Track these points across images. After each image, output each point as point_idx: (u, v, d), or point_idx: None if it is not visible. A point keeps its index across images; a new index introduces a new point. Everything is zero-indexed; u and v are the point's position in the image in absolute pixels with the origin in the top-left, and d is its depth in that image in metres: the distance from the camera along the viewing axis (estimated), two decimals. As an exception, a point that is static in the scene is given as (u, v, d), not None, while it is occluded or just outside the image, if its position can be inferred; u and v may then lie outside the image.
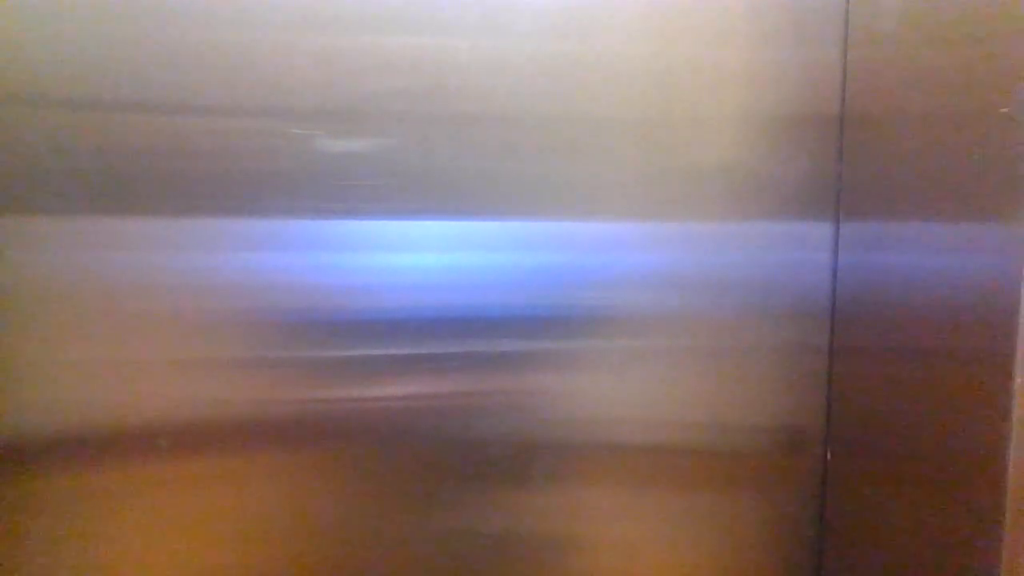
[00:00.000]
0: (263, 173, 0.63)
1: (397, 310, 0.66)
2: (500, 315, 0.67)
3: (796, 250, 0.69)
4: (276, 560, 0.67)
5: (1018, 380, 0.49)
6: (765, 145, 0.68)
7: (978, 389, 0.52)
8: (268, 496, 0.66)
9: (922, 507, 0.58)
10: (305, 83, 0.62)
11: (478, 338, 0.67)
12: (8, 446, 0.61)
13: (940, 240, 0.56)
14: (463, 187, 0.65)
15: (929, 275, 0.58)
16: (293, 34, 0.61)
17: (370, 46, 0.62)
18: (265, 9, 0.61)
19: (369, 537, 0.68)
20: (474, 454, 0.68)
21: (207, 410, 0.64)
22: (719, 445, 0.71)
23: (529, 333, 0.67)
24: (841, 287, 0.69)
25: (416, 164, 0.64)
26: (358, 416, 0.66)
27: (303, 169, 0.63)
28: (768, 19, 0.66)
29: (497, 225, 0.66)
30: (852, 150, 0.67)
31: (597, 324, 0.68)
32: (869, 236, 0.66)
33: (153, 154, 0.61)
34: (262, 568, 0.66)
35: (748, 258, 0.69)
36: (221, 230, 0.63)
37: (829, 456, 0.71)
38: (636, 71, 0.66)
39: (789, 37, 0.67)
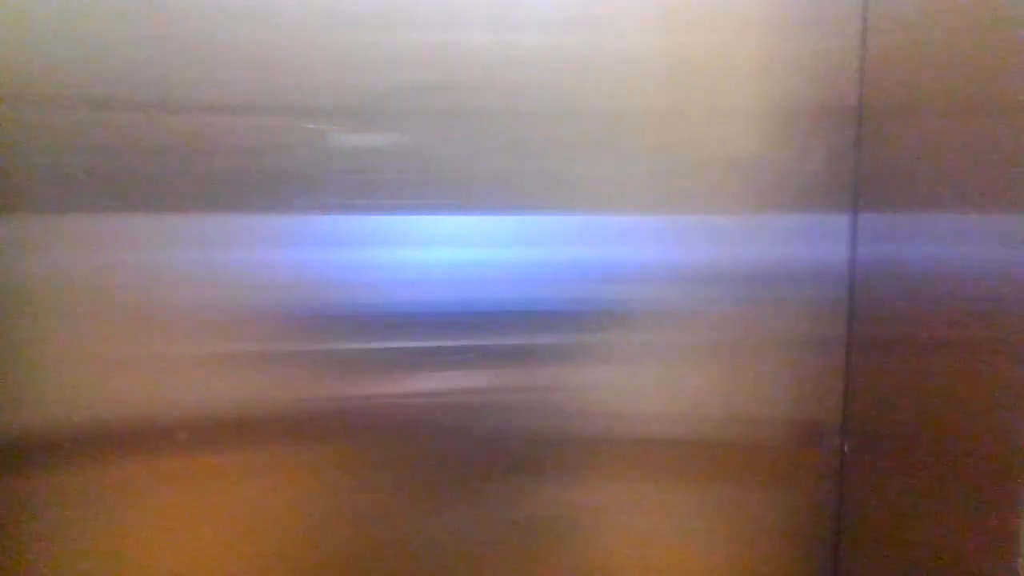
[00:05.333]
0: (279, 170, 0.63)
1: (414, 305, 0.66)
2: (517, 310, 0.67)
3: (814, 242, 0.69)
4: (288, 556, 0.67)
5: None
6: (782, 136, 0.67)
7: (998, 382, 0.52)
8: (286, 492, 0.66)
9: (940, 500, 0.58)
10: (320, 79, 0.62)
11: (493, 333, 0.67)
12: (15, 443, 0.62)
13: (959, 231, 0.56)
14: (479, 182, 0.65)
15: (948, 266, 0.57)
16: (307, 31, 0.62)
17: (385, 42, 0.63)
18: (280, 6, 0.61)
19: (388, 532, 0.68)
20: (492, 448, 0.68)
21: (226, 406, 0.65)
22: (736, 438, 0.71)
23: (546, 327, 0.67)
24: (859, 279, 0.69)
25: (433, 160, 0.65)
26: (377, 411, 0.67)
27: (319, 165, 0.63)
28: (785, 9, 0.66)
29: (514, 220, 0.66)
30: (870, 141, 0.67)
31: (613, 318, 0.68)
32: (887, 227, 0.65)
33: (169, 152, 0.61)
34: (274, 564, 0.67)
35: (766, 250, 0.69)
36: (239, 226, 0.63)
37: (847, 449, 0.70)
38: (651, 64, 0.66)
39: (807, 27, 0.66)
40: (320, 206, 0.64)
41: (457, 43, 0.63)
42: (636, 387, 0.69)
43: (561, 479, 0.69)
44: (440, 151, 0.64)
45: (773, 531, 0.72)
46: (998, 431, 0.52)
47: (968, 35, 0.55)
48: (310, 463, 0.66)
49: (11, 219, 0.60)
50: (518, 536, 0.70)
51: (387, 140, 0.64)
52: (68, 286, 0.61)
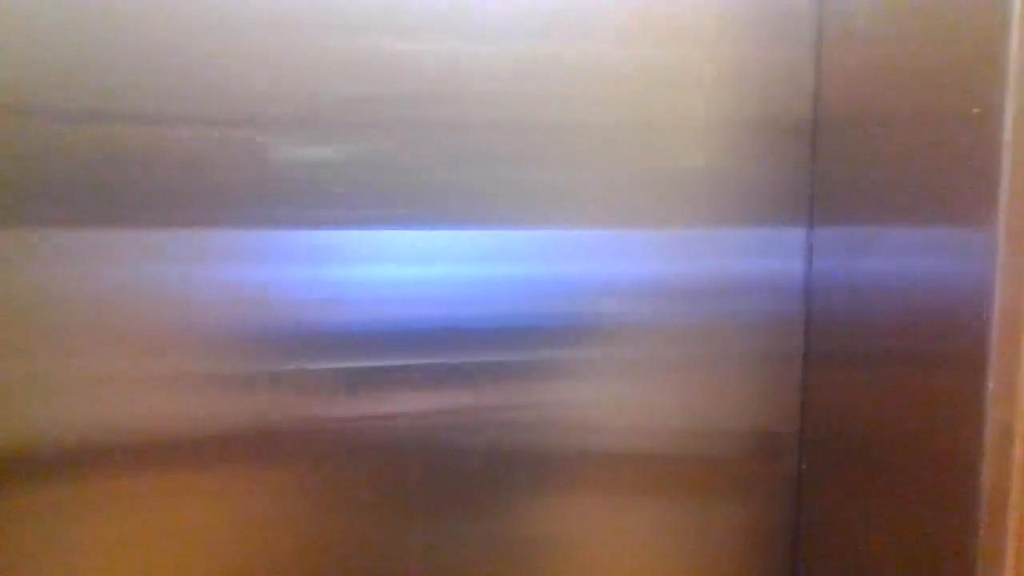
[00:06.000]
0: (223, 183, 0.60)
1: (373, 323, 0.64)
2: (469, 327, 0.65)
3: (769, 256, 0.69)
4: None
5: (991, 385, 0.49)
6: (737, 149, 0.67)
7: (953, 394, 0.52)
8: (248, 514, 0.64)
9: (897, 513, 0.58)
10: (266, 89, 0.60)
11: (451, 350, 0.65)
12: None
13: (915, 244, 0.56)
14: (438, 196, 0.64)
15: (904, 280, 0.57)
16: (260, 39, 0.59)
17: (340, 50, 0.61)
18: (231, 14, 0.59)
19: (358, 558, 0.66)
20: (454, 466, 0.67)
21: (167, 428, 0.62)
22: (690, 452, 0.70)
23: (499, 345, 0.66)
24: (815, 293, 0.69)
25: (391, 172, 0.63)
26: (335, 433, 0.64)
27: (267, 178, 0.61)
28: (739, 20, 0.66)
29: (472, 234, 0.65)
30: (825, 154, 0.66)
31: (568, 334, 0.67)
32: (843, 241, 0.65)
33: (98, 164, 0.58)
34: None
35: (720, 265, 0.68)
36: (179, 242, 0.61)
37: (804, 467, 0.70)
38: (606, 75, 0.65)
39: (760, 39, 0.66)
40: (269, 220, 0.62)
41: (409, 51, 0.62)
42: (592, 403, 0.68)
43: (523, 493, 0.68)
44: (398, 164, 0.63)
45: (731, 547, 0.72)
46: (955, 445, 0.52)
47: (923, 47, 0.55)
48: (271, 485, 0.64)
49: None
50: (489, 549, 0.68)
51: (337, 152, 0.62)
52: (9, 303, 0.58)
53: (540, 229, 0.66)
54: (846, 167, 0.64)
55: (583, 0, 0.64)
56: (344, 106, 0.61)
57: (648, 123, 0.66)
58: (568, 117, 0.65)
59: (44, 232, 0.58)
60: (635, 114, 0.65)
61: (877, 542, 0.60)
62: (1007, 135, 0.47)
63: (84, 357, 0.60)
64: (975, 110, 0.49)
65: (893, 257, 0.58)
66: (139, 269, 0.60)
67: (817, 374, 0.69)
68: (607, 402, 0.68)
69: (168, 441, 0.62)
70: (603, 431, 0.69)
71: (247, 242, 0.61)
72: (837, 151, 0.65)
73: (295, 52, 0.60)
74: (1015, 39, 0.47)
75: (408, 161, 0.63)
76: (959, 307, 0.51)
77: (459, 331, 0.65)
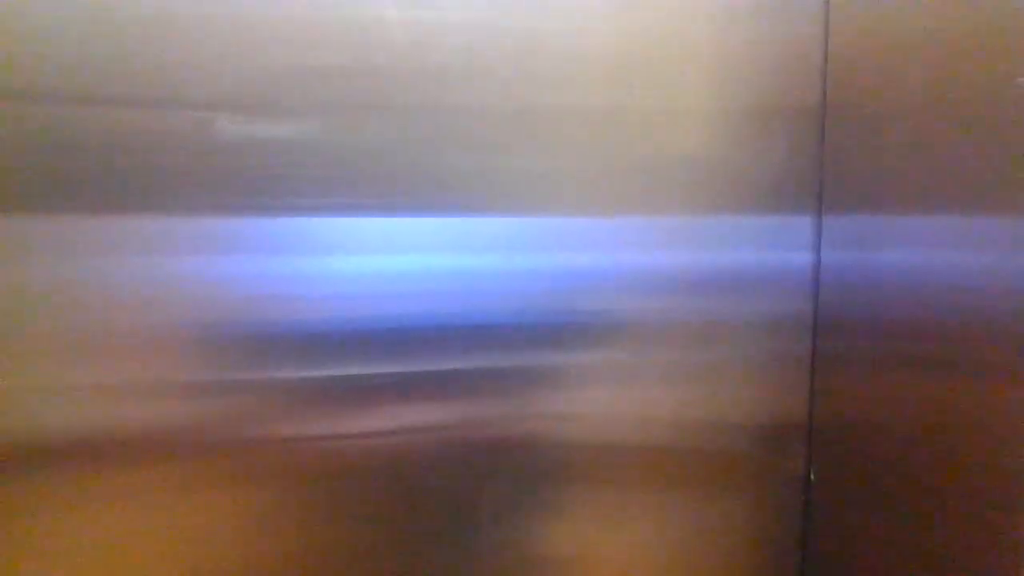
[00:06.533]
0: (161, 166, 0.54)
1: (324, 323, 0.58)
2: (449, 326, 0.60)
3: (776, 248, 0.65)
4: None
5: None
6: (738, 133, 0.63)
7: (988, 403, 0.48)
8: (198, 531, 0.58)
9: (909, 516, 0.55)
10: (207, 62, 0.54)
11: (417, 356, 0.60)
12: None
13: (932, 235, 0.53)
14: (400, 180, 0.58)
15: (928, 275, 0.54)
16: (192, 4, 0.53)
17: (296, 20, 0.55)
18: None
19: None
20: (433, 475, 0.61)
21: (99, 436, 0.55)
22: (690, 457, 0.66)
23: (485, 346, 0.61)
24: (824, 286, 0.65)
25: (343, 155, 0.57)
26: (296, 454, 0.59)
27: (208, 161, 0.55)
28: (749, 11, 0.62)
29: (441, 223, 0.59)
30: (834, 141, 0.63)
31: (563, 332, 0.62)
32: (855, 231, 0.61)
33: (51, 148, 0.52)
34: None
35: (722, 256, 0.64)
36: (112, 230, 0.54)
37: (813, 477, 0.66)
38: (602, 53, 0.60)
39: (768, 22, 0.63)
40: (211, 207, 0.55)
41: (368, 20, 0.56)
42: (585, 404, 0.63)
43: (520, 511, 0.63)
44: (351, 144, 0.57)
45: (739, 555, 0.68)
46: (966, 449, 0.50)
47: (936, 31, 0.52)
48: (213, 502, 0.58)
49: None
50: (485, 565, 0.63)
51: (286, 132, 0.56)
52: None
53: (527, 217, 0.61)
54: (856, 154, 0.61)
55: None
56: (294, 82, 0.55)
57: (647, 108, 0.62)
58: (560, 101, 0.60)
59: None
60: (634, 98, 0.61)
61: (887, 554, 0.57)
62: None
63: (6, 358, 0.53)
64: (1021, 79, 0.44)
65: (907, 248, 0.55)
66: (73, 260, 0.53)
67: (826, 376, 0.65)
68: (599, 404, 0.64)
69: (95, 451, 0.55)
70: (600, 438, 0.64)
71: (175, 230, 0.55)
72: (847, 138, 0.62)
73: (245, 21, 0.54)
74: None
75: (375, 143, 0.57)
76: (994, 306, 0.48)
77: (440, 332, 0.60)
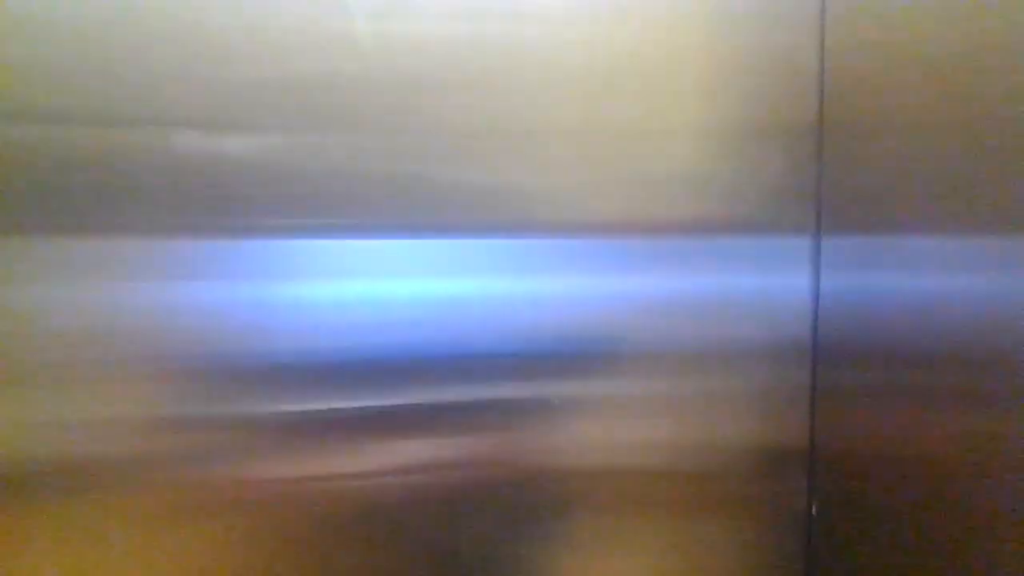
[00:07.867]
0: (114, 185, 0.51)
1: (289, 354, 0.55)
2: (422, 357, 0.57)
3: (773, 269, 0.63)
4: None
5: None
6: (732, 150, 0.61)
7: (995, 433, 0.47)
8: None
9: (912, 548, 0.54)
10: (163, 73, 0.51)
11: (417, 387, 0.57)
12: None
13: (936, 255, 0.52)
14: (375, 200, 0.55)
15: (930, 298, 0.52)
16: (149, 12, 0.50)
17: (252, 31, 0.52)
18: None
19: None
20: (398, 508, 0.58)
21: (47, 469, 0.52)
22: (687, 488, 0.64)
23: (470, 379, 0.58)
24: (824, 309, 0.63)
25: (317, 173, 0.54)
26: (273, 496, 0.55)
27: (163, 179, 0.51)
28: (742, 22, 0.61)
29: (416, 244, 0.56)
30: (833, 158, 0.61)
31: (556, 361, 0.60)
32: (855, 252, 0.60)
33: (3, 167, 0.49)
34: None
35: (716, 278, 0.62)
36: (60, 253, 0.51)
37: (814, 511, 0.64)
38: (586, 64, 0.58)
39: (764, 39, 0.61)
40: (169, 228, 0.52)
41: (336, 32, 0.53)
42: (572, 437, 0.61)
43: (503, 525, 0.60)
44: (321, 162, 0.54)
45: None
46: (968, 480, 0.49)
47: (932, 48, 0.52)
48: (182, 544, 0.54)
49: None
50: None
51: (251, 148, 0.53)
52: None
53: (510, 239, 0.58)
54: (855, 172, 0.59)
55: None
56: (257, 94, 0.52)
57: (635, 126, 0.59)
58: (543, 116, 0.57)
59: None
60: (621, 116, 0.59)
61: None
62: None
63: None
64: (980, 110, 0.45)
65: (915, 270, 0.54)
66: (10, 286, 0.50)
67: (827, 406, 0.63)
68: (599, 437, 0.61)
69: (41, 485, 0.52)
70: (595, 470, 0.62)
71: (158, 253, 0.52)
72: (844, 156, 0.60)
73: (206, 33, 0.51)
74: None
75: (347, 160, 0.54)
76: (1000, 330, 0.47)
77: (420, 363, 0.57)
